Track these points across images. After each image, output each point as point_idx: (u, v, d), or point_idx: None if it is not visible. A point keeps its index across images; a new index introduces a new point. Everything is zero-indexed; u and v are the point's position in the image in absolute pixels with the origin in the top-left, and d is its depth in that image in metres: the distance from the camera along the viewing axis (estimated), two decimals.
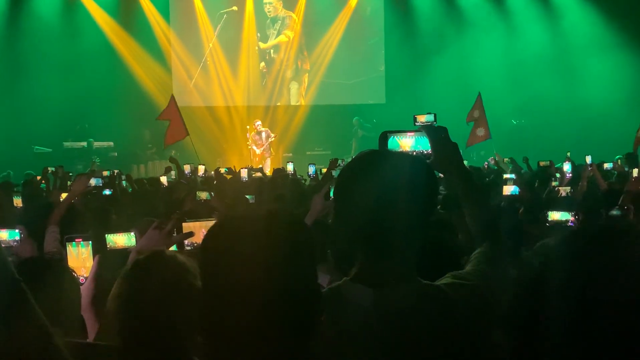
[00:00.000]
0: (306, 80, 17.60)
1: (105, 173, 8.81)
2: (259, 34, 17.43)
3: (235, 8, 17.07)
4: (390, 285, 1.59)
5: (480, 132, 12.20)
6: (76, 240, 2.61)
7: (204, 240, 1.25)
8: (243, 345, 1.11)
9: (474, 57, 16.54)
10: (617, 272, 0.98)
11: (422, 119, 2.57)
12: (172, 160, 9.57)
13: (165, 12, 16.88)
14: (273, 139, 15.99)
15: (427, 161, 1.93)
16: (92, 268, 2.33)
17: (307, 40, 17.56)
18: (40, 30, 15.30)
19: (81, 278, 2.47)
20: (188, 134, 11.98)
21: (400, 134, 2.01)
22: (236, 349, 1.12)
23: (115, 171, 9.35)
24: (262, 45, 17.49)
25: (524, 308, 1.09)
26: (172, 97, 12.40)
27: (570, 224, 4.67)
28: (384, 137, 1.97)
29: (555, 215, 4.82)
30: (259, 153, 15.84)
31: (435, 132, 1.93)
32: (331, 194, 4.66)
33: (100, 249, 2.76)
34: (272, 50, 17.58)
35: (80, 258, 2.55)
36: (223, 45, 17.23)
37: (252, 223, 1.18)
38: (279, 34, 17.52)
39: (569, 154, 10.47)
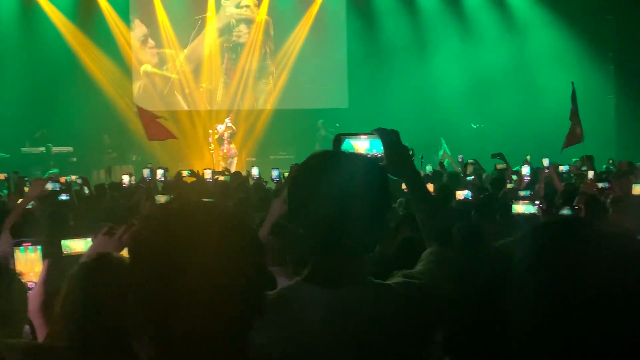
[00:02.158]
0: (269, 84, 17.59)
1: (63, 179, 8.67)
2: (222, 38, 17.35)
3: (209, 14, 16.99)
4: (342, 285, 1.60)
5: (578, 131, 11.04)
6: (24, 244, 2.56)
7: (131, 240, 1.20)
8: (187, 345, 1.10)
9: (436, 64, 16.76)
10: (585, 267, 0.99)
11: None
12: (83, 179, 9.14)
13: (125, 16, 16.68)
14: (235, 132, 16.07)
15: (380, 164, 1.96)
16: (41, 272, 2.29)
17: (270, 45, 17.55)
18: None
19: (30, 283, 2.42)
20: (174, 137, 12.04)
21: (354, 137, 2.03)
22: (180, 350, 1.11)
23: (73, 176, 9.19)
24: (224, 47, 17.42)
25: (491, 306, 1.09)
26: (138, 108, 12.37)
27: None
28: (338, 140, 1.99)
29: (519, 208, 4.91)
30: (223, 152, 15.86)
31: (387, 135, 1.95)
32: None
33: (52, 253, 2.71)
34: (234, 55, 17.51)
35: (29, 263, 2.50)
36: (185, 48, 17.11)
37: (181, 218, 1.14)
38: (241, 38, 17.48)
39: (528, 157, 10.61)
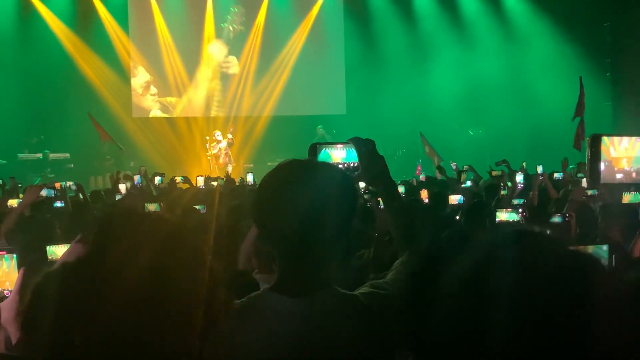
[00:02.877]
0: (267, 90, 17.60)
1: (58, 185, 8.65)
2: (218, 44, 17.40)
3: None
4: (309, 294, 1.60)
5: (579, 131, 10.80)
6: (0, 253, 2.56)
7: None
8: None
9: (433, 71, 16.79)
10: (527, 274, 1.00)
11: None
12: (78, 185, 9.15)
13: (123, 23, 16.72)
14: (232, 142, 16.08)
15: (355, 173, 1.97)
16: (16, 281, 2.29)
17: (267, 51, 17.58)
18: None
19: (5, 291, 2.42)
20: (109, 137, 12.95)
21: (331, 146, 2.04)
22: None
23: (68, 183, 9.18)
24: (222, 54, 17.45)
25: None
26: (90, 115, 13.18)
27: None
28: (314, 149, 2.00)
29: (502, 216, 4.90)
30: (220, 162, 15.84)
31: (363, 145, 1.96)
32: None
33: (33, 261, 2.71)
34: (232, 61, 17.55)
35: (4, 272, 2.50)
36: (182, 55, 17.14)
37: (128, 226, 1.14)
38: (238, 44, 17.53)
39: (524, 164, 10.59)
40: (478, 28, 17.18)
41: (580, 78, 11.10)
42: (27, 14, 15.72)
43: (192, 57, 17.19)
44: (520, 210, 4.68)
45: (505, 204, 6.45)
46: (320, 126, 16.85)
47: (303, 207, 1.59)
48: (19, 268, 2.42)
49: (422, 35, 17.29)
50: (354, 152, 1.99)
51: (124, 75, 16.80)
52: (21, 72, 15.09)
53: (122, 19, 16.69)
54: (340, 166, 2.00)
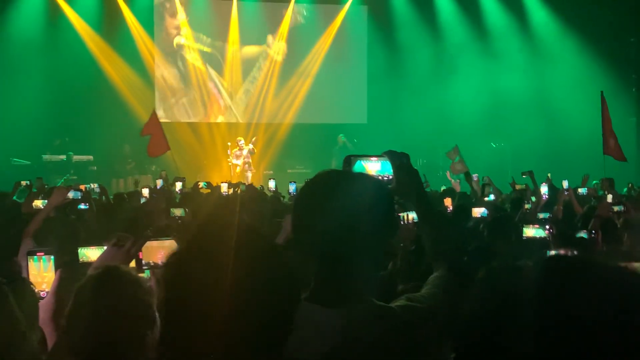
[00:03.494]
0: (289, 97, 17.67)
1: (83, 187, 8.72)
2: (242, 50, 17.51)
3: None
4: (345, 306, 1.60)
5: (612, 143, 10.69)
6: (38, 254, 2.59)
7: (166, 263, 1.23)
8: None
9: (457, 84, 16.70)
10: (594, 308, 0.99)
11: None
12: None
13: (149, 27, 16.90)
14: (253, 151, 16.13)
15: (389, 186, 1.97)
16: (53, 282, 2.33)
17: (291, 59, 17.66)
18: (23, 42, 15.20)
19: (42, 293, 2.46)
20: (169, 149, 11.98)
21: (365, 159, 2.04)
22: None
23: (93, 185, 9.27)
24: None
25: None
26: (154, 112, 12.53)
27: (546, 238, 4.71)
28: (349, 161, 1.99)
29: (529, 232, 4.86)
30: (239, 169, 15.91)
31: (398, 158, 1.96)
32: None
33: (66, 262, 2.75)
34: (255, 68, 17.65)
35: (41, 272, 2.54)
36: (206, 61, 17.28)
37: (218, 248, 1.17)
38: (262, 51, 17.64)
39: (549, 175, 10.48)
40: (503, 41, 17.10)
41: (602, 92, 11.00)
42: (55, 16, 15.90)
43: (216, 61, 17.30)
44: (547, 226, 4.63)
45: (531, 218, 6.42)
46: (341, 135, 16.85)
47: (342, 216, 1.60)
48: (56, 269, 2.46)
49: (446, 47, 17.25)
50: (388, 165, 1.98)
51: (148, 79, 16.95)
52: (47, 75, 15.24)
53: (147, 23, 16.85)
54: None
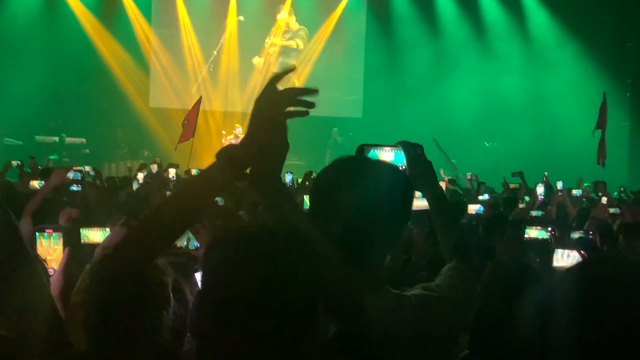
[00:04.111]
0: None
1: (77, 168, 8.67)
2: (239, 38, 17.44)
3: (241, 18, 17.08)
4: (362, 294, 1.61)
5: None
6: (47, 231, 2.58)
7: (207, 248, 1.27)
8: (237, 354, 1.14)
9: (453, 82, 16.70)
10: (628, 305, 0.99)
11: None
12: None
13: (147, 13, 16.79)
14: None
15: None
16: (62, 260, 2.32)
17: (287, 50, 17.61)
18: (20, 23, 15.16)
19: (50, 270, 2.45)
20: (193, 136, 11.95)
21: (379, 148, 2.02)
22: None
23: (86, 167, 9.22)
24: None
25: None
26: (200, 99, 12.61)
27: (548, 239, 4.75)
28: (361, 150, 1.98)
29: (532, 233, 4.90)
30: None
31: (412, 148, 1.96)
32: (305, 204, 4.67)
33: (71, 241, 2.74)
34: (252, 59, 17.58)
35: (50, 249, 2.52)
36: (203, 48, 17.20)
37: (259, 240, 1.22)
38: (259, 41, 17.57)
39: (546, 174, 10.51)
40: (502, 42, 17.12)
41: (604, 93, 11.09)
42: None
43: (212, 50, 17.23)
44: (549, 229, 4.67)
45: (524, 216, 6.45)
46: (336, 128, 16.85)
47: (361, 203, 1.59)
48: (64, 247, 2.45)
49: (445, 45, 17.25)
50: (401, 155, 1.97)
51: (144, 64, 16.86)
52: (43, 56, 15.15)
53: (146, 8, 16.74)
54: None
